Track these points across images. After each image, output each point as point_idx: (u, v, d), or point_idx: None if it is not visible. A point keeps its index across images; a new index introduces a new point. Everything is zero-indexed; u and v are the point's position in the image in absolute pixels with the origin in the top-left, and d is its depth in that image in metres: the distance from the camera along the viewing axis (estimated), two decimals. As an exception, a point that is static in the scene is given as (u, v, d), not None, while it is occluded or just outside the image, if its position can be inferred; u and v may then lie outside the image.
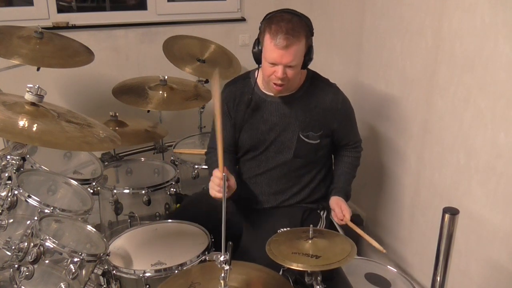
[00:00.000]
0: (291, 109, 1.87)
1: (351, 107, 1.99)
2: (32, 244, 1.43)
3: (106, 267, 1.59)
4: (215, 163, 1.72)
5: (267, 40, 1.70)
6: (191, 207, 2.08)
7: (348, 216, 1.84)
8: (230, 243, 1.27)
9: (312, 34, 1.77)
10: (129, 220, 2.22)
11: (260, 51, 1.76)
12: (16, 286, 1.45)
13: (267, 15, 1.76)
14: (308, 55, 1.76)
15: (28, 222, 1.58)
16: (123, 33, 2.97)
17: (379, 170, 2.41)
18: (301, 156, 1.90)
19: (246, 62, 2.63)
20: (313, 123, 1.87)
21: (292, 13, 1.74)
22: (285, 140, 1.89)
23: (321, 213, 2.00)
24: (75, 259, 1.45)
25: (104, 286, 1.62)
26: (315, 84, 1.89)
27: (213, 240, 1.78)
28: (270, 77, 1.76)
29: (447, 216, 1.19)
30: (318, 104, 1.86)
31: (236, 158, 2.03)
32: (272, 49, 1.69)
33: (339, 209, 1.87)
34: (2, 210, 1.55)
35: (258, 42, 1.78)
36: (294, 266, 1.39)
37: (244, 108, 1.91)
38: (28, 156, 1.90)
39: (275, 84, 1.76)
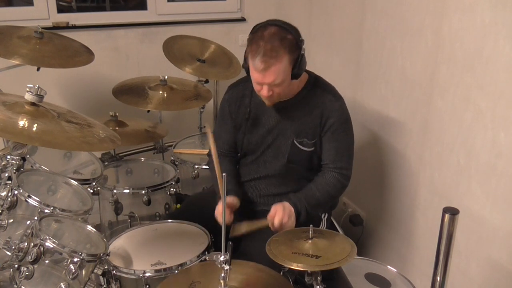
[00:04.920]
0: (287, 114, 1.85)
1: (346, 124, 1.86)
2: (32, 244, 1.43)
3: (106, 267, 1.59)
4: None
5: (249, 60, 1.69)
6: (192, 207, 2.08)
7: (277, 221, 1.71)
8: (230, 243, 1.27)
9: (299, 46, 1.69)
10: (129, 220, 2.22)
11: (249, 67, 1.73)
12: (16, 286, 1.45)
13: (254, 27, 1.73)
14: (296, 68, 1.69)
15: (28, 222, 1.58)
16: (123, 33, 2.97)
17: (379, 170, 2.41)
18: (295, 162, 1.88)
19: (246, 62, 2.63)
20: (307, 130, 1.84)
21: (277, 25, 1.68)
22: (281, 145, 1.88)
23: (322, 215, 1.99)
24: (75, 259, 1.45)
25: (104, 286, 1.62)
26: (314, 90, 1.85)
27: (213, 240, 1.78)
28: (259, 93, 1.76)
29: (447, 216, 1.19)
30: (313, 111, 1.83)
31: (237, 160, 2.03)
32: (252, 70, 1.69)
33: (274, 211, 1.74)
34: (2, 210, 1.55)
35: (245, 58, 1.74)
36: (294, 266, 1.39)
37: (244, 111, 1.91)
38: (28, 156, 1.90)
39: (265, 99, 1.77)
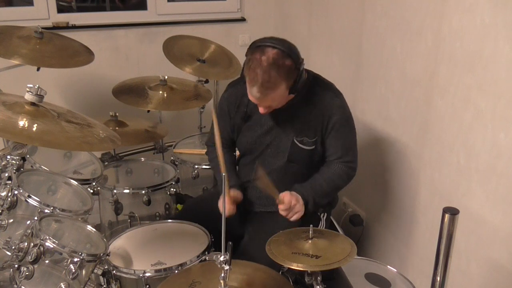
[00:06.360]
0: (287, 113, 1.85)
1: (349, 120, 1.88)
2: (32, 244, 1.43)
3: (106, 267, 1.59)
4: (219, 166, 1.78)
5: (246, 82, 1.71)
6: (193, 209, 2.08)
7: (286, 201, 1.75)
8: (230, 243, 1.27)
9: (298, 68, 1.68)
10: (129, 220, 2.22)
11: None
12: (16, 286, 1.45)
13: (252, 43, 1.71)
14: (293, 89, 1.70)
15: (28, 222, 1.58)
16: (123, 33, 2.97)
17: (379, 170, 2.41)
18: (295, 161, 1.89)
19: (246, 62, 2.64)
20: (308, 128, 1.85)
21: (276, 47, 1.64)
22: (280, 144, 1.88)
23: (321, 215, 1.99)
24: (75, 259, 1.45)
25: (104, 286, 1.62)
26: (313, 88, 1.85)
27: (213, 240, 1.78)
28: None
29: (447, 216, 1.19)
30: (313, 109, 1.83)
31: (234, 154, 2.06)
32: (249, 94, 1.73)
33: (282, 196, 1.78)
34: (2, 210, 1.55)
35: (243, 69, 1.74)
36: (294, 266, 1.39)
37: (243, 110, 1.91)
38: (28, 156, 1.90)
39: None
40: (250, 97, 1.74)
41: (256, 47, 1.68)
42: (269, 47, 1.66)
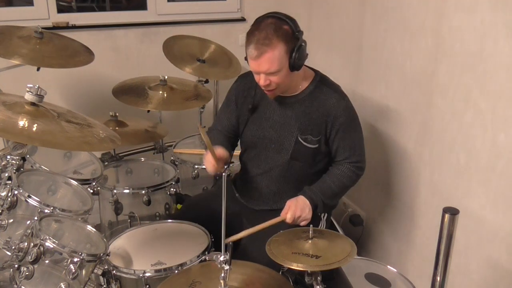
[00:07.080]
0: (292, 110, 1.86)
1: (355, 121, 1.89)
2: (32, 244, 1.43)
3: (106, 267, 1.59)
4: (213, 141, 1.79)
5: (246, 50, 1.73)
6: (193, 209, 2.08)
7: (289, 216, 1.76)
8: (230, 243, 1.27)
9: (297, 36, 1.70)
10: (129, 220, 2.22)
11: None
12: (16, 286, 1.45)
13: (255, 20, 1.76)
14: (293, 58, 1.69)
15: (28, 222, 1.58)
16: (123, 33, 2.97)
17: (379, 170, 2.41)
18: (298, 159, 1.89)
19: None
20: (312, 127, 1.85)
21: (274, 16, 1.70)
22: (284, 140, 1.89)
23: (322, 215, 2.00)
24: (75, 259, 1.45)
25: (104, 286, 1.62)
26: (320, 88, 1.86)
27: (213, 240, 1.78)
28: (259, 83, 1.78)
29: (447, 216, 1.19)
30: (318, 109, 1.84)
31: (233, 141, 2.05)
32: (249, 59, 1.73)
33: (287, 207, 1.79)
34: (2, 210, 1.54)
35: (245, 51, 1.77)
36: (294, 266, 1.39)
37: (249, 102, 1.92)
38: (28, 156, 1.91)
39: (264, 89, 1.78)
40: (250, 64, 1.73)
41: (257, 20, 1.74)
42: (268, 17, 1.72)
